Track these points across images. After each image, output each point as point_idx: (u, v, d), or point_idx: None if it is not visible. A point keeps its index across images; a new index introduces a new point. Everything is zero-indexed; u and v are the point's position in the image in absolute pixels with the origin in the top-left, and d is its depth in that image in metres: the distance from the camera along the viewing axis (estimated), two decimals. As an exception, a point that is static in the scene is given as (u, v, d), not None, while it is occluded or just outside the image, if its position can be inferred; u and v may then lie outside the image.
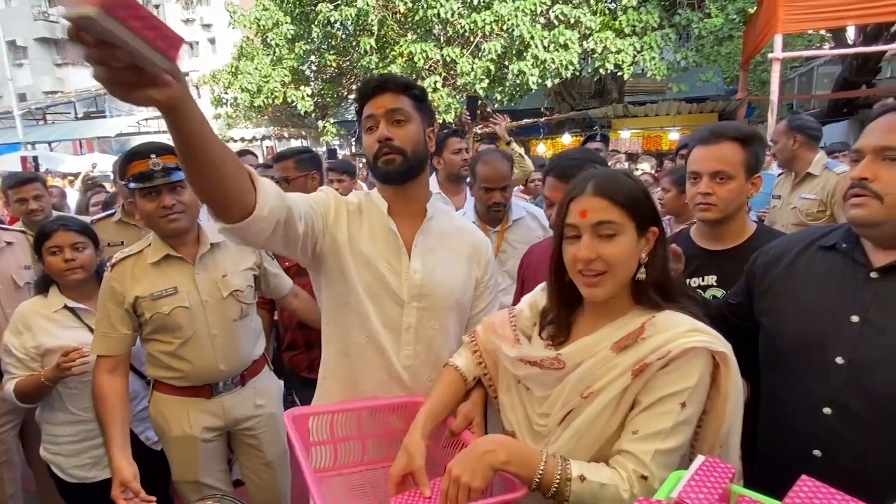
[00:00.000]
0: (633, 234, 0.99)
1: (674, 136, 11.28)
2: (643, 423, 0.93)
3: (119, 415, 1.70)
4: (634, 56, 9.29)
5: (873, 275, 1.07)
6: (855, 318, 1.07)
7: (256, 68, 11.21)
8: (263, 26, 10.98)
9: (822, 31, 11.02)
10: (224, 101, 12.62)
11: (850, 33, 9.12)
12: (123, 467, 1.62)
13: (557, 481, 0.90)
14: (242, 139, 14.32)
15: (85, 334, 1.91)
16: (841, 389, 1.06)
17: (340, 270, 1.31)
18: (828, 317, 1.10)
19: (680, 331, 0.94)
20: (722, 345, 0.94)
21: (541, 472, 0.91)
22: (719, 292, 1.59)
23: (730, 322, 1.33)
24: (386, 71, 10.26)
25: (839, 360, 1.07)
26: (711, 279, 1.60)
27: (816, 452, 1.10)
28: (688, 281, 1.65)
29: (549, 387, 1.05)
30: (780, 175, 3.40)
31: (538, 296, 1.20)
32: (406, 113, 1.31)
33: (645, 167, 6.03)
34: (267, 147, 14.97)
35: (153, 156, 1.70)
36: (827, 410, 1.07)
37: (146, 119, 18.01)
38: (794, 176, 3.08)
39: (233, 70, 11.88)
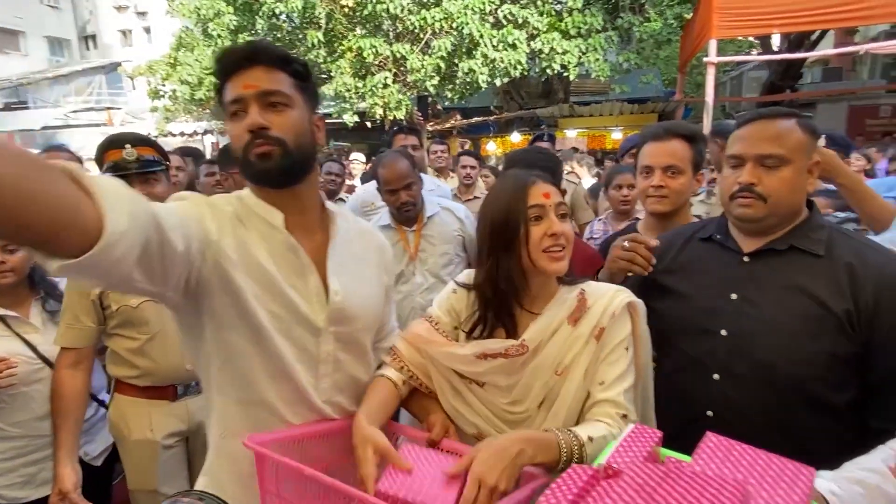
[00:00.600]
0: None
1: (617, 135, 11.73)
2: (605, 372, 1.07)
3: (74, 416, 1.63)
4: (580, 57, 9.57)
5: (745, 259, 1.24)
6: (734, 296, 1.23)
7: (197, 59, 10.76)
8: (204, 16, 10.54)
9: (752, 38, 11.74)
10: (162, 93, 12.04)
11: (776, 41, 9.75)
12: (67, 475, 1.54)
13: (577, 453, 0.96)
14: (182, 133, 13.71)
15: (15, 344, 1.77)
16: (726, 357, 1.21)
17: (234, 302, 0.99)
18: (712, 296, 1.26)
19: (611, 293, 1.12)
20: (636, 298, 1.13)
21: (565, 451, 0.95)
22: None
23: None
24: (335, 66, 10.09)
25: (723, 332, 1.22)
26: None
27: (709, 413, 1.24)
28: None
29: (514, 374, 1.08)
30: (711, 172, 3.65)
31: (452, 300, 1.20)
32: (285, 95, 1.03)
33: (574, 165, 6.20)
34: (211, 143, 14.39)
35: (128, 146, 1.67)
36: (716, 376, 1.22)
37: (74, 111, 16.91)
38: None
39: (172, 61, 11.35)
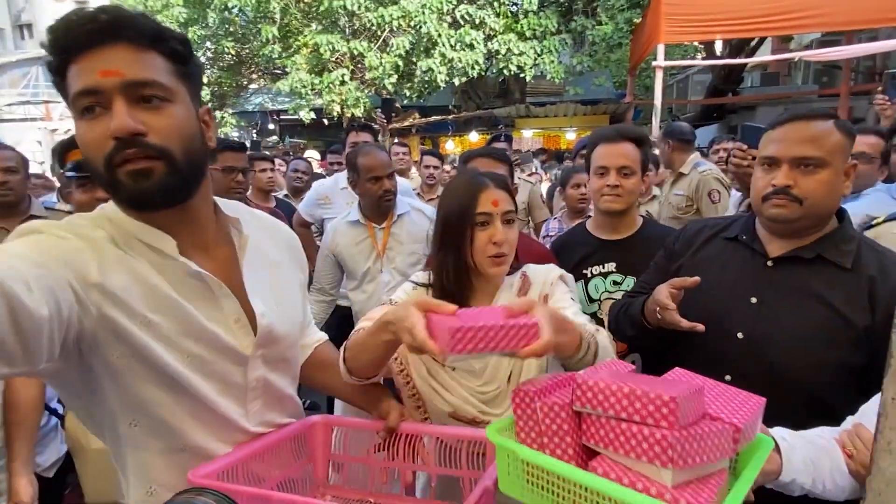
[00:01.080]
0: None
1: (571, 135, 12.03)
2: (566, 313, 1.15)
3: (29, 426, 1.55)
4: (535, 59, 9.77)
5: (769, 263, 1.24)
6: (753, 300, 1.24)
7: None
8: (151, 7, 10.13)
9: (697, 44, 12.27)
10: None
11: (719, 47, 10.25)
12: (23, 487, 1.47)
13: (591, 340, 1.00)
14: (128, 129, 13.07)
15: None
16: (740, 359, 1.23)
17: (133, 352, 0.79)
18: (730, 297, 1.26)
19: (546, 270, 1.26)
20: (566, 272, 1.28)
21: (588, 333, 1.00)
22: (619, 277, 1.78)
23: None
24: (291, 62, 9.89)
25: (739, 335, 1.24)
26: (611, 266, 1.79)
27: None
28: (589, 268, 1.82)
29: (483, 357, 1.15)
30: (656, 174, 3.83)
31: (413, 297, 1.21)
32: (163, 87, 0.78)
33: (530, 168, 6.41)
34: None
35: None
36: (728, 377, 1.22)
37: (9, 105, 15.87)
38: (671, 174, 3.49)
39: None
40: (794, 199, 1.16)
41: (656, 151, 3.78)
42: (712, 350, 1.25)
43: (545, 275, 1.25)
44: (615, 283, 1.78)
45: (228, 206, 0.97)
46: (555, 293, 1.22)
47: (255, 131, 14.71)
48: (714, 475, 0.70)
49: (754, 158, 1.32)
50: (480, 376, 1.18)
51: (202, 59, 11.48)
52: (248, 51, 11.24)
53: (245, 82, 12.01)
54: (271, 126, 14.60)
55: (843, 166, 1.16)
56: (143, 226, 0.83)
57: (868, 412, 0.95)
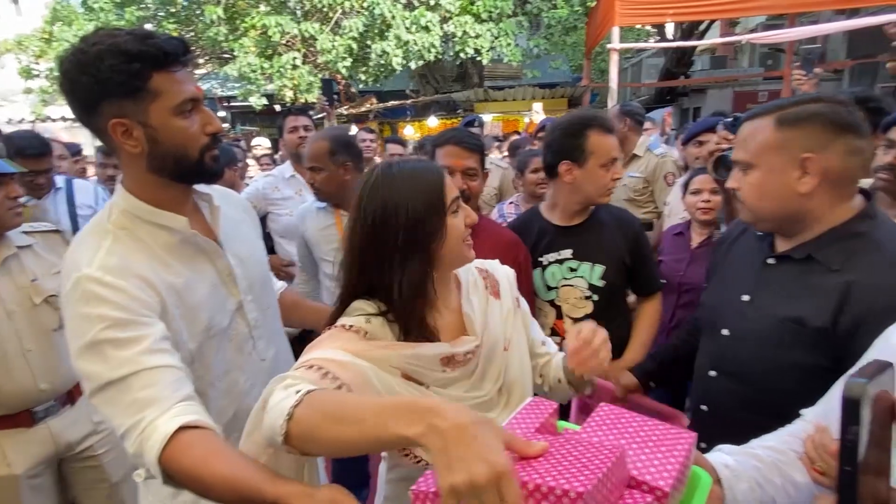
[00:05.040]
0: None
1: (529, 119, 12.04)
2: (537, 333, 1.18)
3: None
4: (492, 41, 9.67)
5: (770, 261, 1.17)
6: (745, 298, 1.19)
7: (76, 35, 9.63)
8: (83, -14, 9.47)
9: (649, 27, 12.46)
10: (36, 72, 10.71)
11: (671, 31, 10.43)
12: None
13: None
14: (64, 118, 12.30)
15: None
16: (722, 356, 1.21)
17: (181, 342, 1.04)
18: (727, 294, 1.23)
19: (496, 265, 1.17)
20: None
21: None
22: (575, 263, 1.74)
23: None
24: (238, 45, 9.46)
25: (724, 331, 1.21)
26: (567, 252, 1.75)
27: (703, 407, 1.25)
28: (545, 256, 1.77)
29: (471, 368, 1.01)
30: None
31: (370, 330, 0.96)
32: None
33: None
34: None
35: None
36: (712, 373, 1.23)
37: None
38: (624, 156, 3.44)
39: (46, 36, 10.10)
40: (742, 202, 1.15)
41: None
42: (707, 346, 1.26)
43: (503, 271, 1.16)
44: (571, 269, 1.75)
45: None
46: (521, 299, 1.16)
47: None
48: None
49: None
50: (470, 381, 1.01)
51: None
52: (192, 33, 10.67)
53: (190, 67, 11.45)
54: (222, 113, 13.98)
55: (783, 163, 1.05)
56: (158, 211, 1.05)
57: (828, 412, 0.89)
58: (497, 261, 1.19)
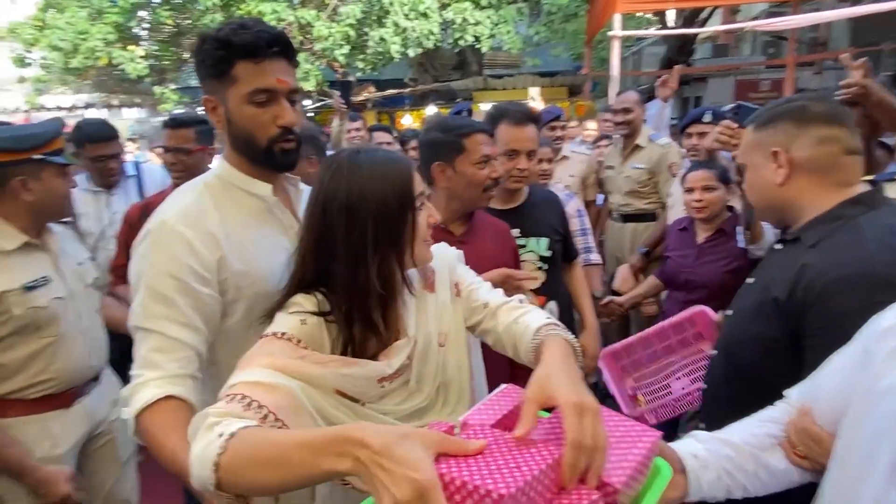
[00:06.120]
0: None
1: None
2: (481, 297, 1.09)
3: None
4: (492, 29, 9.55)
5: (777, 246, 1.23)
6: (750, 280, 1.26)
7: (69, 23, 9.48)
8: (76, -27, 9.31)
9: (650, 15, 12.33)
10: (29, 61, 10.57)
11: (672, 18, 10.32)
12: None
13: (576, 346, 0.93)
14: (59, 107, 12.18)
15: None
16: (722, 335, 1.30)
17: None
18: (744, 279, 1.31)
19: (439, 252, 1.10)
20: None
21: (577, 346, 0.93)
22: (524, 241, 1.92)
23: None
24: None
25: (729, 311, 1.30)
26: (516, 232, 1.89)
27: (704, 386, 1.33)
28: None
29: (408, 376, 0.99)
30: (608, 146, 3.70)
31: (307, 331, 0.91)
32: (297, 91, 1.15)
33: None
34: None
35: None
36: (713, 352, 1.31)
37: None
38: (624, 147, 3.37)
39: (39, 24, 9.94)
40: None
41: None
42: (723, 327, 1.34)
43: (443, 258, 1.09)
44: (521, 246, 1.91)
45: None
46: (464, 281, 1.11)
47: (200, 108, 13.98)
48: None
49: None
50: (405, 389, 0.98)
51: (137, 31, 10.71)
52: (187, 21, 10.53)
53: (186, 55, 11.27)
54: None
55: (761, 159, 1.17)
56: (248, 178, 1.14)
57: (815, 391, 0.90)
58: (443, 244, 1.14)
